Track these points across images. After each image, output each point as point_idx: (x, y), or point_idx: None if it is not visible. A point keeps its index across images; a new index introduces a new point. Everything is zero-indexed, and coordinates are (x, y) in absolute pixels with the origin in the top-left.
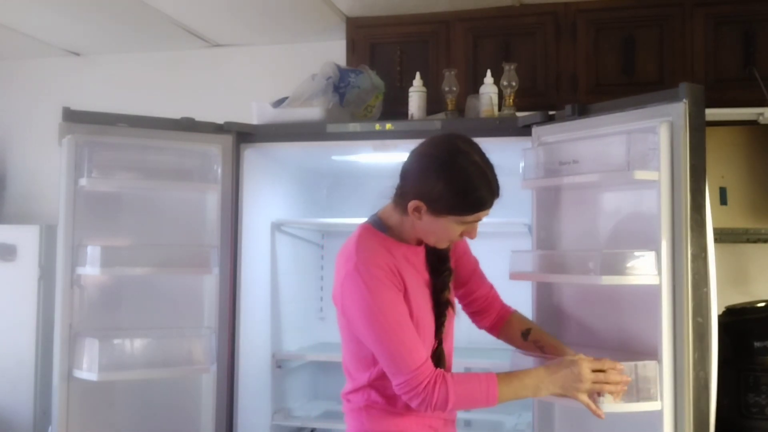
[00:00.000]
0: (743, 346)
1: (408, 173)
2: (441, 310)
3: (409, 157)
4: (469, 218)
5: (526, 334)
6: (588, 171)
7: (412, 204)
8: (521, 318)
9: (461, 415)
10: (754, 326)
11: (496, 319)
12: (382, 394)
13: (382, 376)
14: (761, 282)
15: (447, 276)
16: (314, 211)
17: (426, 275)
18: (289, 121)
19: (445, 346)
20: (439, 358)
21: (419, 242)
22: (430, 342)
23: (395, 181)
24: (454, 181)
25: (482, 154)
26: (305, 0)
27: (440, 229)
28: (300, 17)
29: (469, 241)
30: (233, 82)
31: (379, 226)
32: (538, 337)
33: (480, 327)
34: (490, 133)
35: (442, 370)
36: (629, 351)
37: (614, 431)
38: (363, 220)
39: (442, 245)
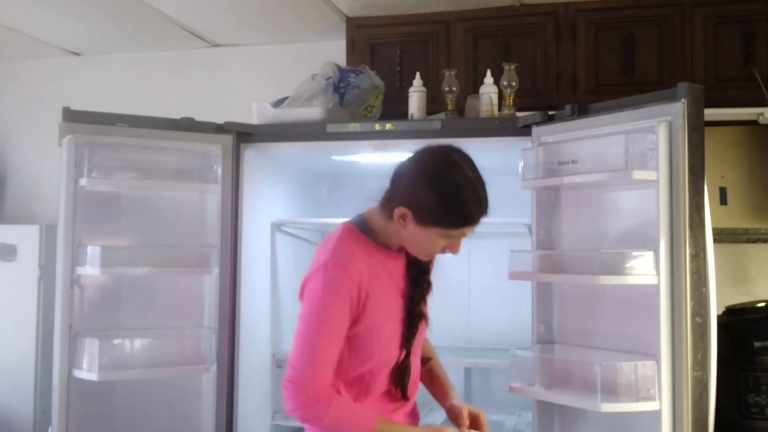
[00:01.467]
0: (743, 346)
1: (399, 178)
2: (414, 321)
3: (403, 162)
4: (454, 232)
5: (425, 361)
6: (587, 171)
7: (398, 210)
8: (429, 346)
9: None
10: (754, 326)
11: None
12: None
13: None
14: (761, 282)
15: (426, 288)
16: (314, 211)
17: (402, 284)
18: (289, 121)
19: (413, 360)
20: (404, 370)
21: (401, 249)
22: (394, 352)
23: (385, 183)
24: (443, 193)
25: (476, 170)
26: (305, 0)
27: (424, 240)
28: (300, 17)
29: (469, 239)
30: (233, 82)
31: (362, 227)
32: (432, 367)
33: None
34: (490, 133)
35: (335, 394)
36: (628, 351)
37: (613, 431)
38: None
39: (423, 257)
